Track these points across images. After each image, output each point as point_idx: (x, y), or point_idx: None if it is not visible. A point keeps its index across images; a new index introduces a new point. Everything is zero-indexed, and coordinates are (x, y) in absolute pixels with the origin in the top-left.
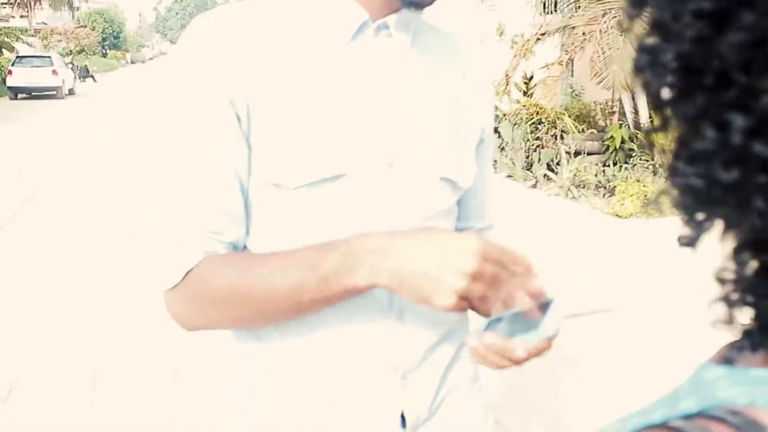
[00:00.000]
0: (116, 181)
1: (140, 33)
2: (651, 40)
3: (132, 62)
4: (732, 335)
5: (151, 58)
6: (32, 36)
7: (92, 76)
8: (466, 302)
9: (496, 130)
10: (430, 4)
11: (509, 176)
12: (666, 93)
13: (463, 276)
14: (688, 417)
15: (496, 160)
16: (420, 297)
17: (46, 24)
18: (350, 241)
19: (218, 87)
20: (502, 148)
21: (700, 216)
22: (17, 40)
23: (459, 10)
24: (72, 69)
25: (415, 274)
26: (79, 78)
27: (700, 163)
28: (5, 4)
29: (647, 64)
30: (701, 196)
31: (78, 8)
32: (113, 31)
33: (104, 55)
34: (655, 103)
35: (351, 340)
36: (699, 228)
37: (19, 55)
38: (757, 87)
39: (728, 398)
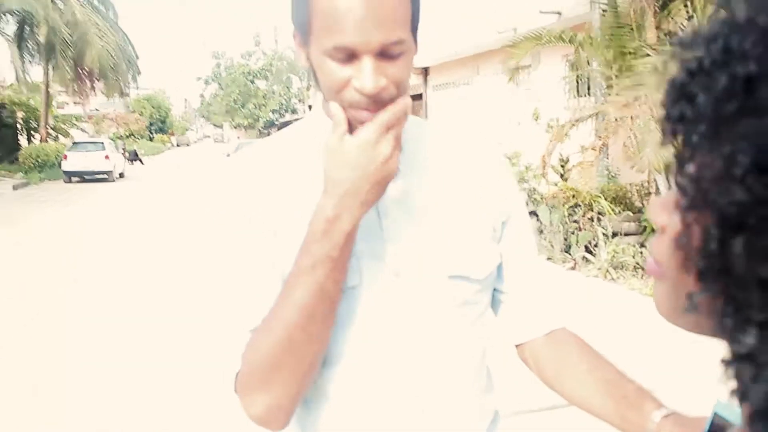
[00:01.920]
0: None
1: (185, 117)
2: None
3: (177, 145)
4: None
5: (195, 141)
6: (86, 122)
7: (140, 160)
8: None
9: (534, 213)
10: None
11: (548, 258)
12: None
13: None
14: None
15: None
16: (377, 184)
17: (98, 110)
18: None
19: (259, 219)
20: (541, 231)
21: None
22: (72, 126)
23: (496, 94)
24: (122, 153)
25: (347, 171)
26: (129, 161)
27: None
28: (62, 91)
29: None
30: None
31: (128, 95)
32: (160, 116)
33: (151, 139)
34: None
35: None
36: (754, 381)
37: (75, 141)
38: None
39: None
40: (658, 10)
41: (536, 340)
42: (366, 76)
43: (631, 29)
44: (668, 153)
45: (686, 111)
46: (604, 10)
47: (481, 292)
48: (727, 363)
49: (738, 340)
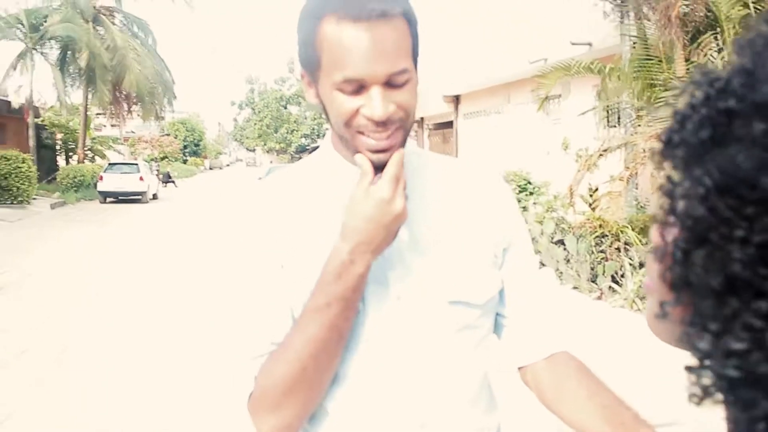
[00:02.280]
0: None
1: (219, 141)
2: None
3: (210, 168)
4: None
5: (228, 165)
6: (121, 144)
7: (174, 182)
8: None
9: (561, 242)
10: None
11: (574, 288)
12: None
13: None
14: None
15: (561, 272)
16: (384, 227)
17: (134, 132)
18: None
19: (270, 252)
20: (568, 260)
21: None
22: (109, 148)
23: (526, 123)
24: (156, 175)
25: (364, 223)
26: (163, 183)
27: (736, 358)
28: (100, 114)
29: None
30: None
31: (163, 118)
32: (194, 139)
33: (185, 162)
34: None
35: None
36: (714, 386)
37: (110, 162)
38: None
39: None
40: (687, 42)
41: (537, 363)
42: (376, 105)
43: (660, 61)
44: None
45: (674, 136)
46: (634, 43)
47: (483, 317)
48: (689, 369)
49: (695, 347)
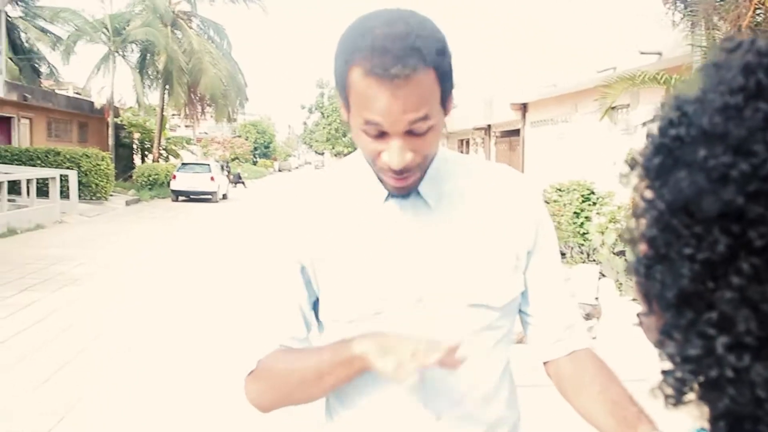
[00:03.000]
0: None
1: (288, 143)
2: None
3: (279, 170)
4: None
5: (297, 167)
6: (194, 144)
7: (243, 182)
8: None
9: (622, 253)
10: (406, 195)
11: (633, 299)
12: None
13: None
14: None
15: (621, 283)
16: (385, 354)
17: (207, 133)
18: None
19: (290, 253)
20: (628, 272)
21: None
22: (182, 148)
23: (593, 133)
24: (227, 175)
25: (385, 342)
26: (233, 184)
27: (693, 363)
28: (175, 114)
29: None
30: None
31: (235, 120)
32: (264, 141)
33: (254, 163)
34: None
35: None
36: (680, 389)
37: (183, 162)
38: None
39: None
40: None
41: (560, 358)
42: (393, 156)
43: None
44: None
45: (634, 161)
46: (704, 53)
47: (503, 318)
48: (664, 373)
49: (664, 352)
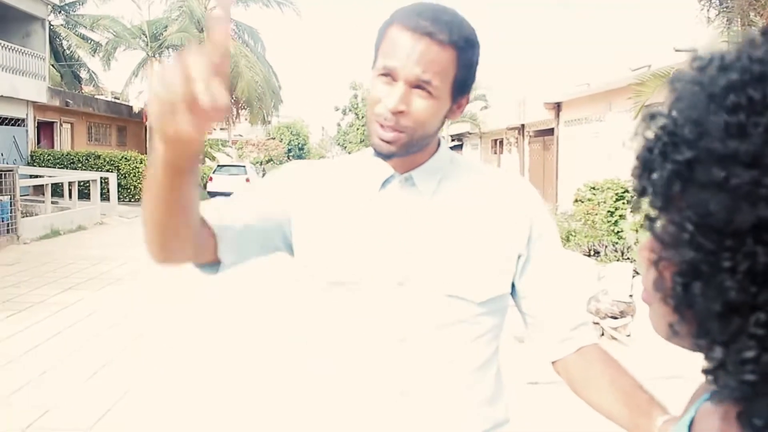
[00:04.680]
0: None
1: (322, 145)
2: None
3: None
4: None
5: None
6: (230, 147)
7: None
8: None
9: None
10: (389, 157)
11: None
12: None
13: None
14: None
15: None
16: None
17: (241, 136)
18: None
19: (282, 193)
20: None
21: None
22: (218, 150)
23: (627, 132)
24: (262, 177)
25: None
26: None
27: (751, 364)
28: None
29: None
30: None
31: (270, 122)
32: (298, 143)
33: None
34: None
35: (362, 406)
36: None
37: (219, 164)
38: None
39: None
40: None
41: (567, 356)
42: (392, 96)
43: None
44: None
45: (647, 186)
46: None
47: (485, 315)
48: (706, 372)
49: (710, 356)
